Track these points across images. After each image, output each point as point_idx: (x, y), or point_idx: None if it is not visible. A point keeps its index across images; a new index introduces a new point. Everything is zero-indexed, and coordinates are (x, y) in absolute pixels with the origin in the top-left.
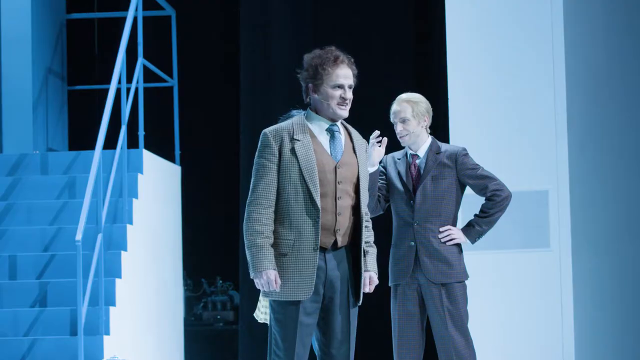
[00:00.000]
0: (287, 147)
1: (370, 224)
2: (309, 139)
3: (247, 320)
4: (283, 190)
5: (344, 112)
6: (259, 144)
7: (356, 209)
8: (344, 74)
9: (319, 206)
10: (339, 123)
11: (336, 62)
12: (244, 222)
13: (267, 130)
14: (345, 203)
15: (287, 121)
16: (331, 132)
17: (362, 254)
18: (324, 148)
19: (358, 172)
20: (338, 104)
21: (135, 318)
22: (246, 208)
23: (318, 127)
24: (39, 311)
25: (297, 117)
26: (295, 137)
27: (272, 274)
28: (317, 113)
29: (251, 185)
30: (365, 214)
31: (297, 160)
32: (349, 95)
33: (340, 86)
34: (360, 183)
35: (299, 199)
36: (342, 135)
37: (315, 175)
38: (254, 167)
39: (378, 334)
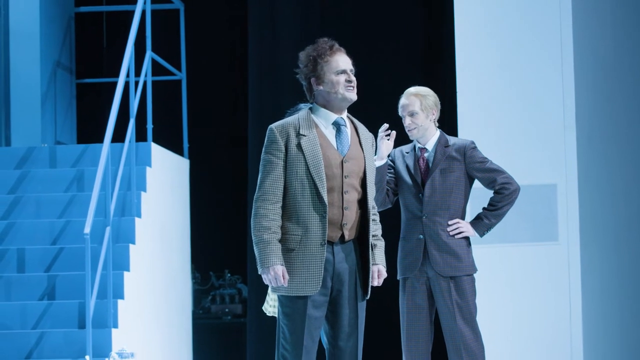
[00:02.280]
0: (293, 142)
1: (377, 218)
2: (315, 133)
3: (255, 314)
4: (290, 186)
5: (353, 94)
6: (266, 139)
7: (363, 202)
8: (344, 60)
9: (326, 201)
10: (345, 116)
11: (332, 49)
12: (252, 218)
13: (273, 125)
14: (352, 197)
15: (293, 116)
16: (337, 126)
17: (370, 247)
18: (330, 142)
19: (365, 166)
20: (345, 87)
21: (143, 311)
22: (254, 204)
23: (324, 120)
24: (47, 304)
25: (303, 111)
26: (301, 132)
27: (280, 269)
28: (324, 106)
29: (258, 181)
30: (372, 208)
31: (304, 156)
32: (353, 78)
33: (343, 71)
34: (367, 177)
35: (305, 194)
36: (348, 129)
37: (321, 170)
38: (261, 163)
39: (387, 327)
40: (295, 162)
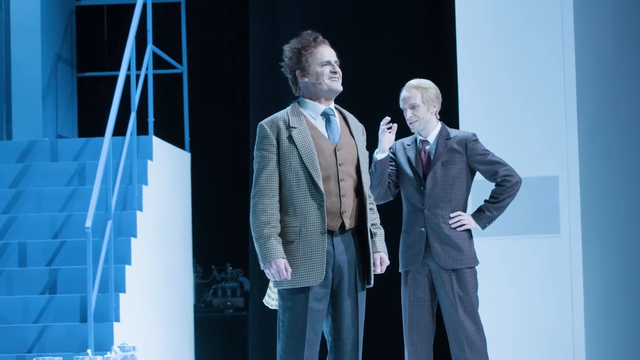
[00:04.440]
0: (284, 135)
1: (374, 206)
2: (305, 125)
3: (257, 307)
4: (285, 179)
5: (338, 84)
6: (257, 136)
7: (359, 190)
8: (328, 51)
9: (322, 190)
10: (333, 107)
11: (317, 41)
12: (250, 214)
13: (263, 122)
14: (349, 185)
15: (281, 111)
16: (326, 116)
17: (370, 235)
18: (320, 132)
19: (357, 153)
20: (330, 78)
21: (145, 305)
22: (251, 201)
23: (313, 112)
24: (49, 298)
25: (291, 105)
26: (291, 124)
27: (282, 262)
28: (310, 98)
29: (254, 178)
30: (368, 196)
31: (296, 147)
32: (338, 69)
33: (328, 62)
34: (361, 164)
35: (301, 185)
36: (337, 119)
37: (315, 159)
38: (254, 160)
39: (389, 320)
40: (288, 154)
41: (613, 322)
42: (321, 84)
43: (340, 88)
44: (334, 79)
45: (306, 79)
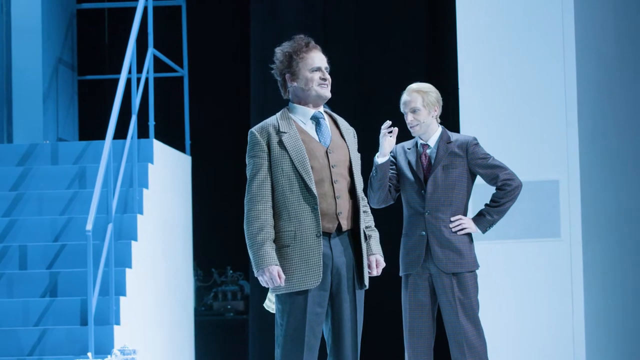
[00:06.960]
0: (274, 140)
1: (368, 209)
2: (295, 129)
3: (257, 310)
4: (277, 184)
5: (326, 91)
6: (248, 143)
7: (353, 192)
8: (319, 57)
9: (315, 193)
10: (322, 111)
11: (308, 46)
12: (244, 222)
13: (252, 129)
14: (342, 186)
15: (271, 117)
16: (316, 120)
17: (364, 237)
18: (311, 136)
19: (349, 155)
20: (319, 84)
21: (145, 308)
22: (244, 208)
23: (302, 116)
24: (49, 301)
25: (280, 111)
26: (281, 129)
27: (275, 269)
28: (299, 103)
29: (246, 185)
30: (362, 198)
31: (287, 152)
32: (328, 76)
33: (318, 69)
34: (353, 166)
35: (294, 189)
36: (327, 122)
37: (306, 163)
38: (247, 167)
39: (389, 323)
40: (279, 159)
41: (613, 326)
42: (310, 89)
43: (328, 95)
44: (323, 85)
45: (295, 84)
